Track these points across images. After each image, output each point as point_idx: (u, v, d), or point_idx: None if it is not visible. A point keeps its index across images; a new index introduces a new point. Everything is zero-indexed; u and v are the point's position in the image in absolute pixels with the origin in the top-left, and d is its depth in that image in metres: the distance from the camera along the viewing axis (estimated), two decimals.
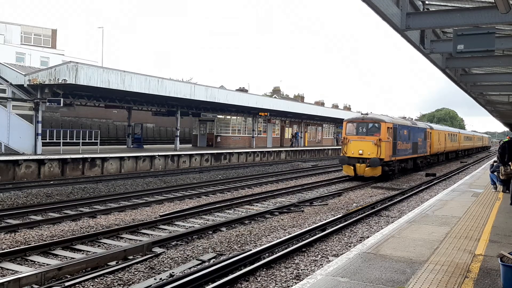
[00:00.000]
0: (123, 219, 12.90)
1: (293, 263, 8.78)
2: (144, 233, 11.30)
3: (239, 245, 10.22)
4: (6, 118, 21.77)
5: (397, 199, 17.61)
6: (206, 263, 8.74)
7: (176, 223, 12.61)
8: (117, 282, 7.69)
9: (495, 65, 14.73)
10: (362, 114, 25.85)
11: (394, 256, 7.13)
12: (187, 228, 11.79)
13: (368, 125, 24.12)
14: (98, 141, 26.93)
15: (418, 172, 30.75)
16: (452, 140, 45.74)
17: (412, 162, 30.14)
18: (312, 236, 10.85)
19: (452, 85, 20.25)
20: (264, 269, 8.30)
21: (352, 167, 23.95)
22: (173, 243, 10.27)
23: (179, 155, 29.76)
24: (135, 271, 8.26)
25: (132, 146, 33.59)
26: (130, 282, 7.70)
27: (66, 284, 7.46)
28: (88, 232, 11.09)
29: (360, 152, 23.72)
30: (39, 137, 22.92)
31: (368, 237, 10.23)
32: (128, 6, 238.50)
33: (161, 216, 13.16)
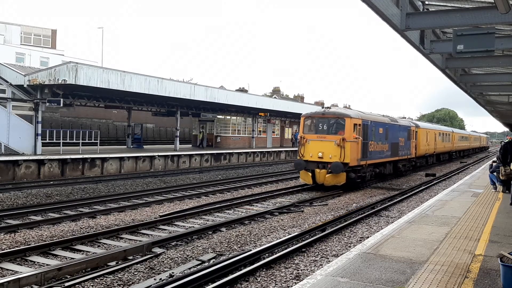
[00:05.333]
0: (123, 219, 12.90)
1: (293, 263, 8.78)
2: (144, 234, 11.30)
3: (239, 245, 10.22)
4: (6, 119, 21.76)
5: (397, 199, 17.61)
6: (206, 263, 8.74)
7: (176, 223, 12.61)
8: (117, 282, 7.69)
9: (495, 65, 14.74)
10: (323, 107, 21.11)
11: (394, 256, 7.13)
12: (187, 229, 11.78)
13: (329, 121, 19.78)
14: (98, 141, 26.92)
15: (417, 173, 30.74)
16: (444, 140, 41.71)
17: (392, 166, 25.80)
18: (312, 237, 10.86)
19: (452, 85, 20.18)
20: (264, 269, 8.30)
21: (310, 174, 19.63)
22: (173, 244, 10.27)
23: (179, 156, 29.76)
24: (135, 272, 8.26)
25: (132, 146, 33.57)
26: (130, 283, 7.70)
27: (66, 284, 7.46)
28: (88, 232, 11.09)
29: (320, 155, 19.37)
30: (39, 137, 22.91)
31: (368, 237, 10.23)
32: (128, 6, 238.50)
33: (161, 216, 13.15)
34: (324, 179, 19.21)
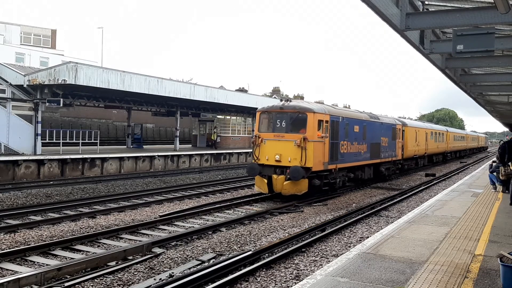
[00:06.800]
0: (123, 220, 12.89)
1: (293, 263, 8.78)
2: (144, 234, 11.30)
3: (238, 245, 10.22)
4: (5, 119, 21.77)
5: (397, 199, 17.61)
6: (206, 263, 8.74)
7: (175, 223, 12.60)
8: (116, 282, 7.69)
9: (494, 65, 14.74)
10: (282, 100, 17.67)
11: (394, 256, 7.13)
12: (186, 229, 11.78)
13: (289, 117, 16.48)
14: (98, 141, 26.94)
15: (417, 173, 30.73)
16: (436, 140, 38.43)
17: (372, 170, 22.68)
18: (311, 237, 10.86)
19: (452, 85, 20.11)
20: (264, 269, 8.30)
21: (266, 180, 16.35)
22: (172, 244, 10.27)
23: (178, 156, 29.76)
24: (135, 272, 8.26)
25: (131, 146, 33.59)
26: (130, 283, 7.70)
27: (66, 284, 7.46)
28: (88, 232, 11.09)
29: (277, 157, 16.14)
30: (39, 137, 22.92)
31: (367, 237, 10.23)
32: (128, 6, 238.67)
33: (160, 216, 13.15)
34: (282, 186, 15.98)
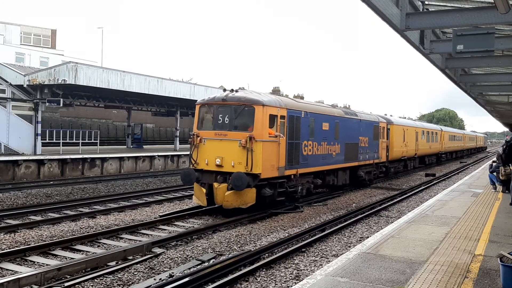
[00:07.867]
0: (123, 219, 12.89)
1: (293, 263, 8.78)
2: (144, 234, 11.30)
3: (238, 245, 10.22)
4: (5, 118, 21.77)
5: (397, 199, 17.62)
6: (206, 263, 8.74)
7: (175, 223, 12.60)
8: (116, 282, 7.69)
9: (494, 65, 14.77)
10: (226, 90, 14.15)
11: (394, 256, 7.13)
12: (186, 228, 11.78)
13: (233, 111, 13.43)
14: (98, 141, 26.95)
15: (417, 173, 30.71)
16: (429, 140, 35.72)
17: (348, 175, 19.67)
18: (311, 237, 10.87)
19: (452, 85, 20.10)
20: (264, 269, 8.31)
21: (206, 190, 13.40)
22: (172, 243, 10.27)
23: (178, 155, 29.77)
24: (135, 272, 8.26)
25: (131, 146, 33.60)
26: (130, 283, 7.70)
27: (66, 284, 7.46)
28: (88, 232, 11.08)
29: (218, 161, 13.21)
30: (39, 137, 22.93)
31: (367, 237, 10.23)
32: (128, 6, 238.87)
33: (160, 216, 13.15)
34: (223, 197, 12.95)
